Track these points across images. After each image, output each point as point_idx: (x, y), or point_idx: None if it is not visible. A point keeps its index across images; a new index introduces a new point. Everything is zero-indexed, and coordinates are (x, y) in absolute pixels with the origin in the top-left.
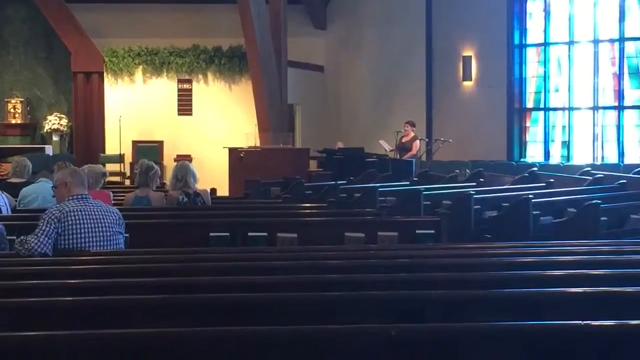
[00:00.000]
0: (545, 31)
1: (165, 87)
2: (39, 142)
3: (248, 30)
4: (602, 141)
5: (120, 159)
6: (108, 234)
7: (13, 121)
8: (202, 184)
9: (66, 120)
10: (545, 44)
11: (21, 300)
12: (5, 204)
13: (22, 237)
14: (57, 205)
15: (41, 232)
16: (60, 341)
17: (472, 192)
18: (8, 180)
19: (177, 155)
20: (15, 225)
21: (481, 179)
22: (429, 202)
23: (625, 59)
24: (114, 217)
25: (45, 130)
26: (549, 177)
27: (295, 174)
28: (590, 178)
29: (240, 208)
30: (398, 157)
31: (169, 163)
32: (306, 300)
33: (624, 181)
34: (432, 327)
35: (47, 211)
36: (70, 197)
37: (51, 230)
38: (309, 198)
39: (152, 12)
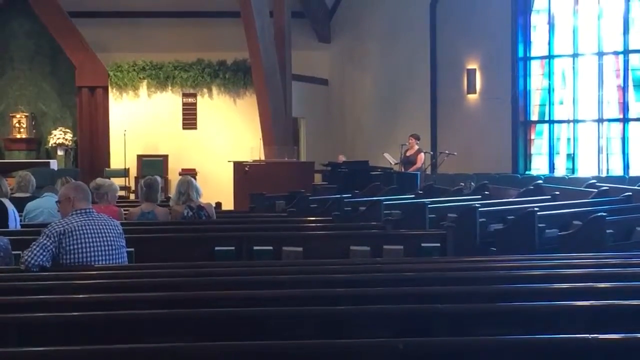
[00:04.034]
0: (549, 44)
1: (170, 101)
2: (43, 156)
3: (252, 44)
4: (607, 153)
5: (125, 173)
6: (112, 248)
7: (18, 136)
8: (207, 198)
9: (71, 135)
10: (550, 57)
11: (28, 315)
12: (16, 219)
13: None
14: (61, 220)
15: (37, 244)
16: (66, 357)
17: (477, 205)
18: (13, 195)
19: (182, 169)
20: (21, 240)
21: (486, 192)
22: (434, 215)
23: (629, 71)
24: (117, 231)
25: (50, 145)
26: (554, 190)
27: (300, 187)
28: (596, 190)
29: (246, 222)
30: (403, 170)
31: (174, 177)
32: (312, 314)
33: (630, 193)
34: (439, 340)
35: (49, 225)
36: (74, 212)
37: (49, 244)
38: (314, 212)
39: (156, 26)
